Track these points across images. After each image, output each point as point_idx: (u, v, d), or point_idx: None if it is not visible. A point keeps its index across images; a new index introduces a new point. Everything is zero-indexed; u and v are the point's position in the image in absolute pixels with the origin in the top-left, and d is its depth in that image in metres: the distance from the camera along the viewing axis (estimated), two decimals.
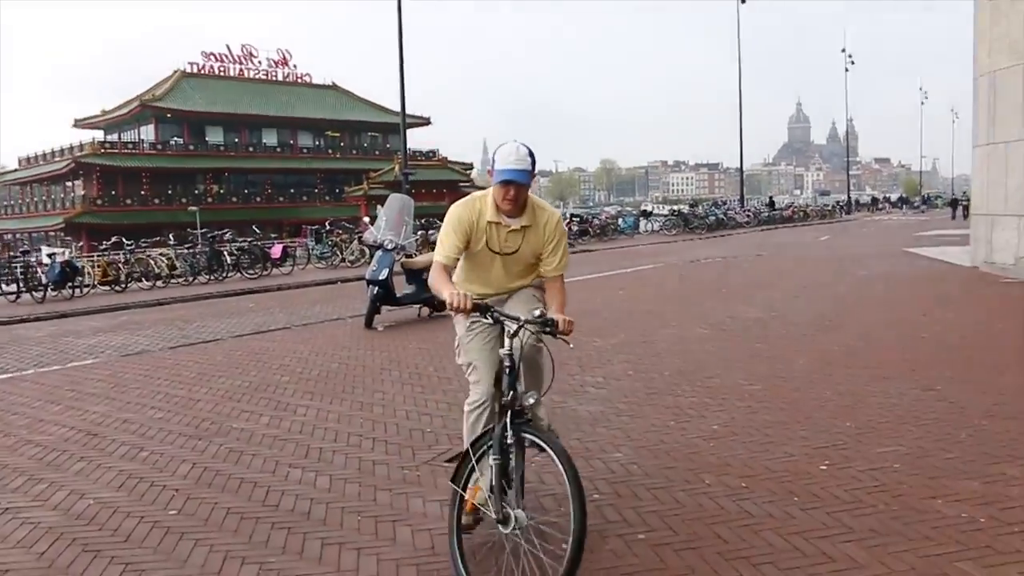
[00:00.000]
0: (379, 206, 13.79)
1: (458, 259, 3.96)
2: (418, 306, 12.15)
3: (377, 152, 70.23)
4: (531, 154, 3.74)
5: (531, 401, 3.50)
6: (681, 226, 39.25)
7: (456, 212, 3.93)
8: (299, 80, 71.06)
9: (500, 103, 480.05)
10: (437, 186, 55.23)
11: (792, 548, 3.74)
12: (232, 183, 64.58)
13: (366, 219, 13.74)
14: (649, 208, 57.28)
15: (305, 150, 69.08)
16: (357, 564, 3.76)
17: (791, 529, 3.94)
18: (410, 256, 12.27)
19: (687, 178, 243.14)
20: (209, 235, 21.76)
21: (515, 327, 3.53)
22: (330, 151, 69.71)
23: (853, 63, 73.60)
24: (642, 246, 30.20)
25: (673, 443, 5.42)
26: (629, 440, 5.52)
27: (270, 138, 67.41)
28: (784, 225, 46.76)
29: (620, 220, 39.60)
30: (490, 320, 3.60)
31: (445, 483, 4.76)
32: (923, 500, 4.25)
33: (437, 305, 12.01)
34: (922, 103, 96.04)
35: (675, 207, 51.58)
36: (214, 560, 3.86)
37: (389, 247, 11.62)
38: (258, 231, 25.92)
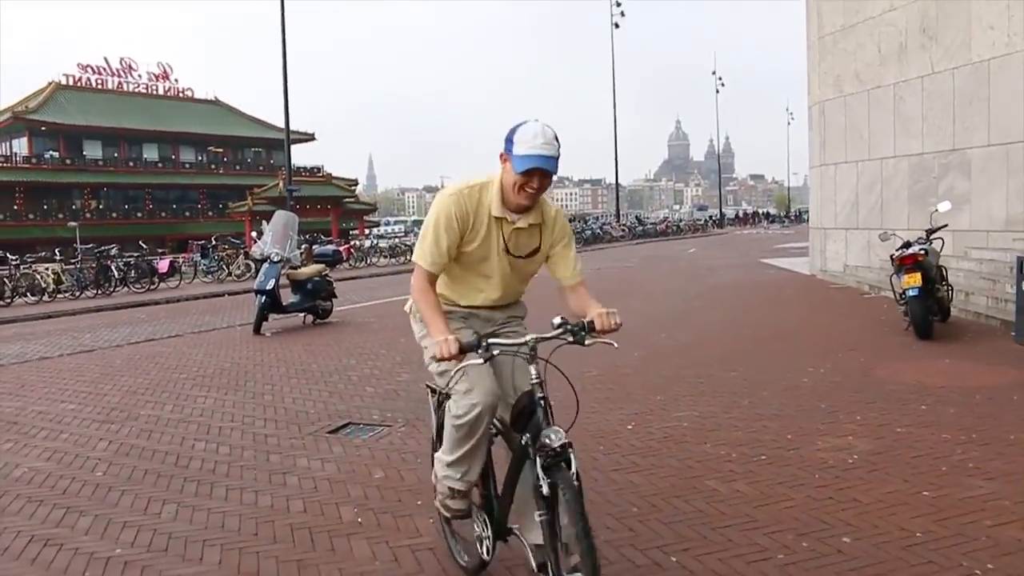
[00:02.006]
0: (264, 222, 14.69)
1: (446, 265, 3.25)
2: (303, 314, 13.11)
3: (261, 168, 70.04)
4: (557, 137, 3.07)
5: (558, 440, 2.79)
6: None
7: (447, 204, 3.19)
8: (181, 94, 70.33)
9: (386, 119, 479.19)
10: (321, 202, 55.62)
11: (588, 478, 4.99)
12: (112, 198, 63.43)
13: (254, 234, 14.60)
14: None
15: (187, 165, 68.35)
16: (256, 501, 4.83)
17: (590, 467, 5.19)
18: (295, 268, 13.22)
19: (571, 194, 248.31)
20: (96, 250, 22.07)
21: (527, 348, 2.96)
22: (213, 166, 69.16)
23: (724, 85, 77.56)
24: None
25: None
26: None
27: (151, 153, 66.47)
28: (658, 239, 49.07)
29: None
30: (482, 359, 2.92)
31: (325, 445, 5.91)
32: (696, 445, 5.58)
33: (320, 313, 13.04)
34: (789, 123, 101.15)
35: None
36: (139, 503, 4.86)
37: (275, 260, 12.56)
38: (144, 246, 26.25)
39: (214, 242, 25.82)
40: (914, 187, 15.21)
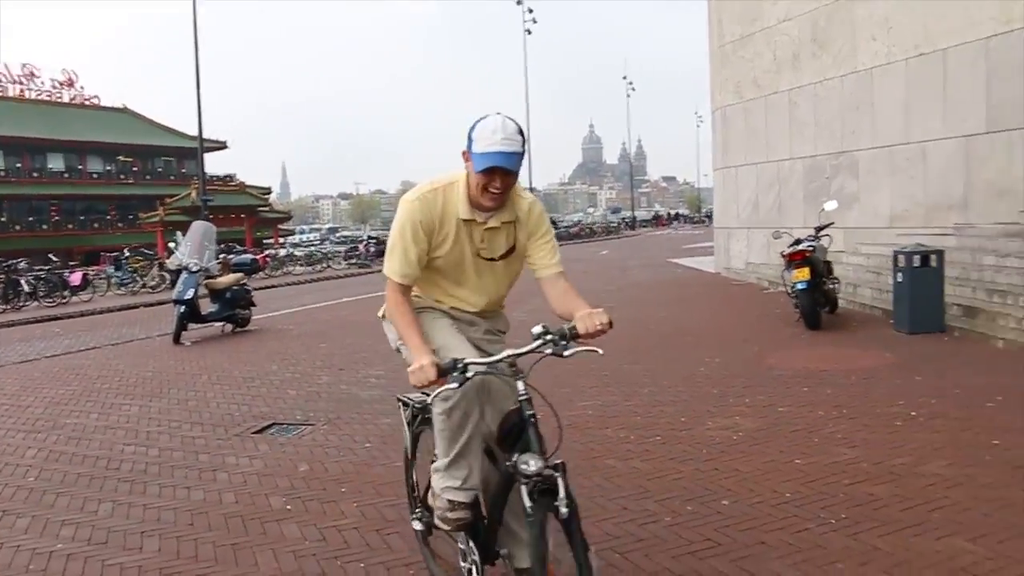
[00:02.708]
0: (180, 233, 14.78)
1: (418, 276, 3.08)
2: (222, 323, 13.26)
3: (172, 177, 68.87)
4: (520, 131, 2.90)
5: (535, 466, 2.67)
6: None
7: (411, 210, 3.01)
8: (87, 102, 68.72)
9: (299, 126, 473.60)
10: (235, 211, 54.93)
11: None
12: (15, 210, 61.55)
13: (171, 245, 14.69)
14: None
15: (95, 175, 66.78)
16: (189, 496, 5.13)
17: None
18: (213, 278, 13.36)
19: None
20: (3, 264, 21.64)
21: (504, 365, 2.81)
22: (122, 176, 67.71)
23: (634, 89, 79.26)
24: None
25: None
26: (396, 411, 7.08)
27: (56, 163, 64.72)
28: (572, 241, 49.91)
29: None
30: (457, 383, 2.73)
31: (252, 444, 6.22)
32: (599, 430, 6.06)
33: (239, 322, 13.22)
34: (698, 126, 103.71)
35: None
36: (75, 503, 5.11)
37: (193, 269, 12.70)
38: (55, 259, 25.81)
39: (127, 254, 25.55)
40: (809, 187, 16.09)
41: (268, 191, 66.63)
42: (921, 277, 9.45)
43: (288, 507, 4.78)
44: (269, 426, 6.81)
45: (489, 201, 2.95)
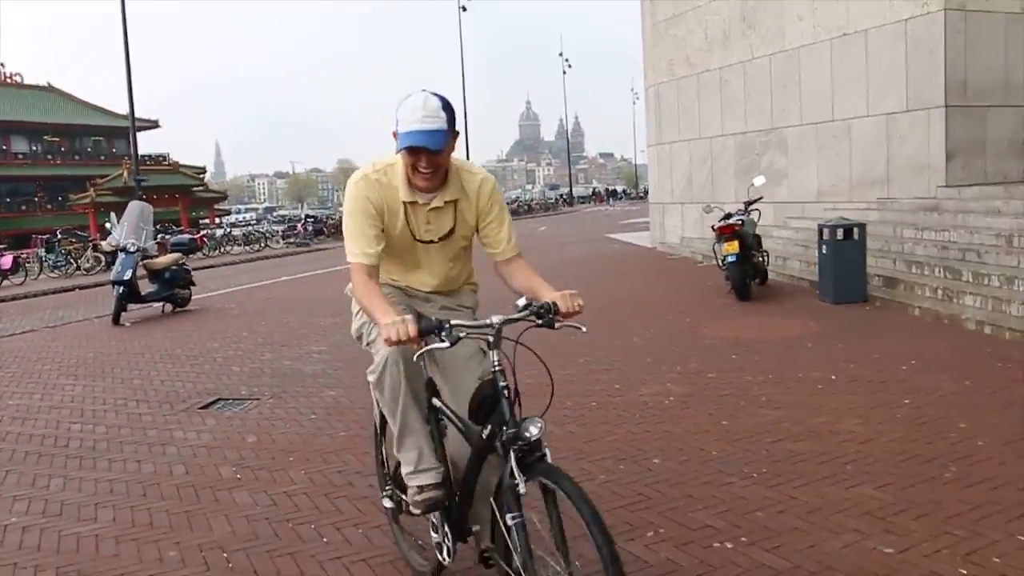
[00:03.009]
0: (113, 214, 14.62)
1: (379, 252, 2.95)
2: (161, 303, 13.22)
3: (102, 157, 67.28)
4: (447, 106, 2.80)
5: (535, 431, 2.53)
6: None
7: (358, 193, 2.95)
8: (8, 80, 66.66)
9: (232, 104, 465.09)
10: (169, 191, 54.01)
11: None
12: None
13: (108, 226, 14.54)
14: None
15: (20, 156, 64.96)
16: (139, 469, 5.25)
17: None
18: (151, 258, 13.30)
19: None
20: None
21: (492, 332, 2.69)
22: (49, 157, 65.99)
23: (571, 66, 79.48)
24: None
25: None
26: (340, 383, 7.28)
27: None
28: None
29: None
30: (448, 343, 2.58)
31: (199, 419, 6.35)
32: (536, 397, 6.28)
33: (179, 302, 13.20)
34: (634, 102, 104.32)
35: None
36: (25, 480, 5.20)
37: (131, 250, 12.64)
38: None
39: (60, 236, 25.09)
40: (740, 163, 16.52)
41: (203, 171, 65.51)
42: (844, 250, 9.87)
43: (238, 476, 4.94)
44: (215, 401, 6.93)
45: (421, 181, 2.87)
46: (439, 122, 2.75)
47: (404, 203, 2.95)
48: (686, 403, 5.86)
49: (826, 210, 13.15)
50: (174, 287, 13.10)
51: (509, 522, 2.55)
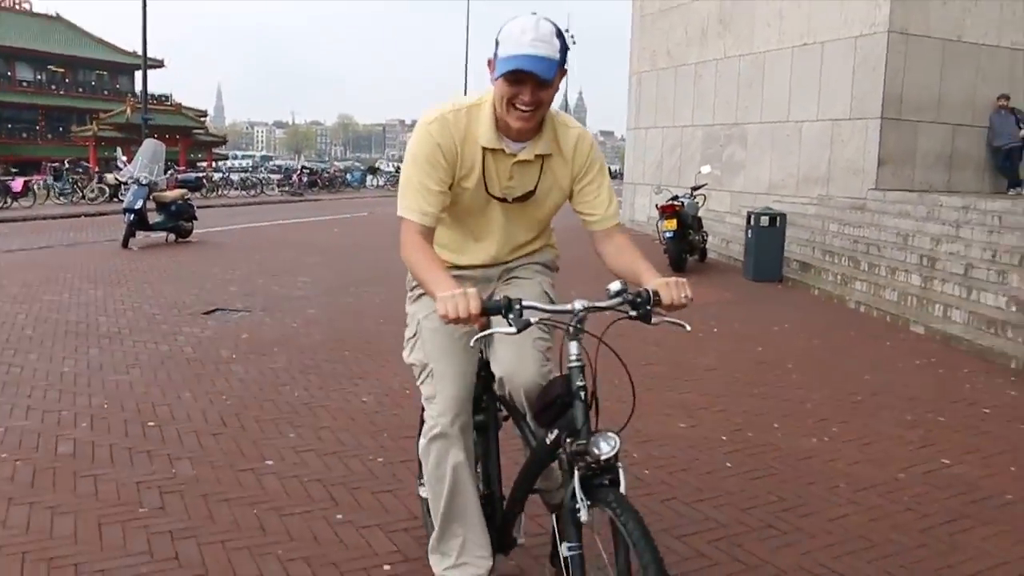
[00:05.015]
0: (119, 148, 16.04)
1: (441, 216, 2.53)
2: (166, 232, 14.66)
3: (106, 92, 67.99)
4: (560, 35, 2.37)
5: (608, 448, 2.09)
6: None
7: (427, 137, 2.49)
8: (17, 7, 67.25)
9: (236, 49, 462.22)
10: (170, 131, 54.84)
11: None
12: None
13: (123, 158, 15.94)
14: (382, 166, 60.29)
15: (25, 83, 65.61)
16: (157, 348, 6.73)
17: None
18: (160, 191, 14.72)
19: None
20: None
21: (574, 319, 2.27)
22: (53, 87, 66.66)
23: (575, 42, 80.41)
24: (366, 199, 33.40)
25: (344, 306, 8.73)
26: (319, 305, 8.77)
27: None
28: None
29: (348, 175, 42.56)
30: (515, 328, 2.15)
31: (202, 320, 7.83)
32: None
33: (182, 232, 14.64)
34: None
35: (399, 164, 54.61)
36: (69, 347, 6.67)
37: (144, 182, 14.07)
38: None
39: (67, 165, 26.45)
40: (706, 152, 17.98)
41: (204, 114, 66.47)
42: (766, 235, 11.39)
43: (234, 356, 6.45)
44: (215, 310, 8.40)
45: (517, 121, 2.41)
46: (552, 50, 2.33)
47: (484, 149, 2.50)
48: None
49: (775, 202, 14.62)
50: (179, 219, 14.52)
51: (565, 552, 2.16)
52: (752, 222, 11.47)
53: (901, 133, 13.98)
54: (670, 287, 2.30)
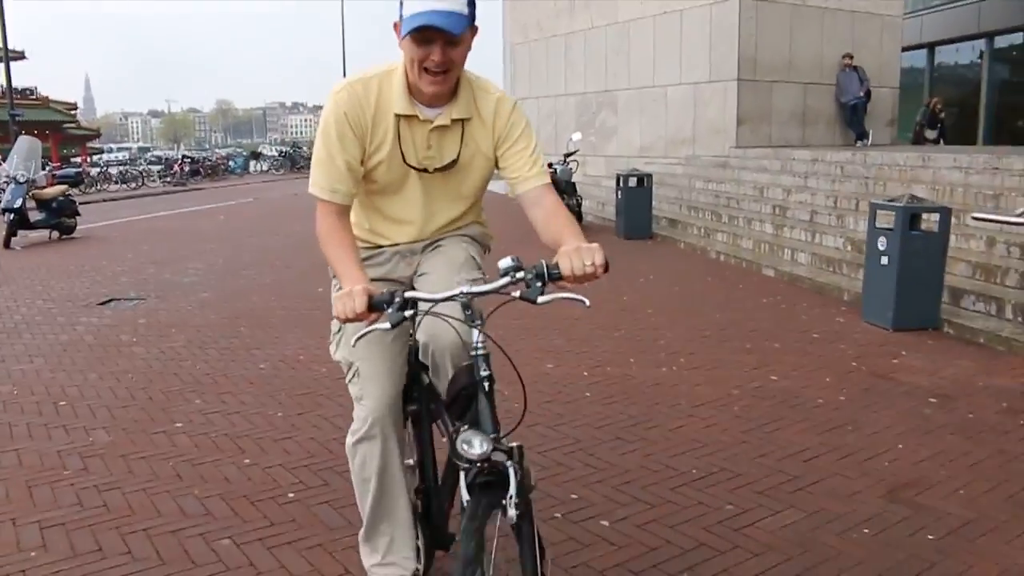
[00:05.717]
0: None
1: (354, 193, 2.44)
2: (49, 230, 14.58)
3: None
4: None
5: (477, 449, 1.97)
6: (288, 166, 42.26)
7: (336, 103, 2.39)
8: None
9: (102, 38, 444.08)
10: (39, 127, 52.81)
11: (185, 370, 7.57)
12: None
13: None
14: (264, 151, 59.52)
15: None
16: (58, 338, 7.01)
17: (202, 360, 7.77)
18: (40, 188, 14.61)
19: (306, 120, 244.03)
20: None
21: (461, 306, 2.12)
22: None
23: None
24: (250, 185, 33.14)
25: (235, 288, 9.10)
26: (211, 289, 9.12)
27: None
28: None
29: (231, 161, 41.97)
30: (388, 323, 2.04)
31: (98, 311, 8.10)
32: None
33: (65, 229, 14.60)
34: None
35: (282, 148, 54.06)
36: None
37: (22, 180, 13.96)
38: None
39: None
40: (579, 120, 18.75)
41: (74, 107, 64.27)
42: (635, 195, 12.17)
43: (134, 339, 6.80)
44: (109, 300, 8.65)
45: (429, 85, 2.29)
46: (458, 4, 2.20)
47: (398, 117, 2.40)
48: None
49: (646, 163, 15.48)
50: (61, 215, 14.45)
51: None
52: (621, 184, 12.23)
53: (757, 93, 14.99)
54: (570, 256, 2.06)
